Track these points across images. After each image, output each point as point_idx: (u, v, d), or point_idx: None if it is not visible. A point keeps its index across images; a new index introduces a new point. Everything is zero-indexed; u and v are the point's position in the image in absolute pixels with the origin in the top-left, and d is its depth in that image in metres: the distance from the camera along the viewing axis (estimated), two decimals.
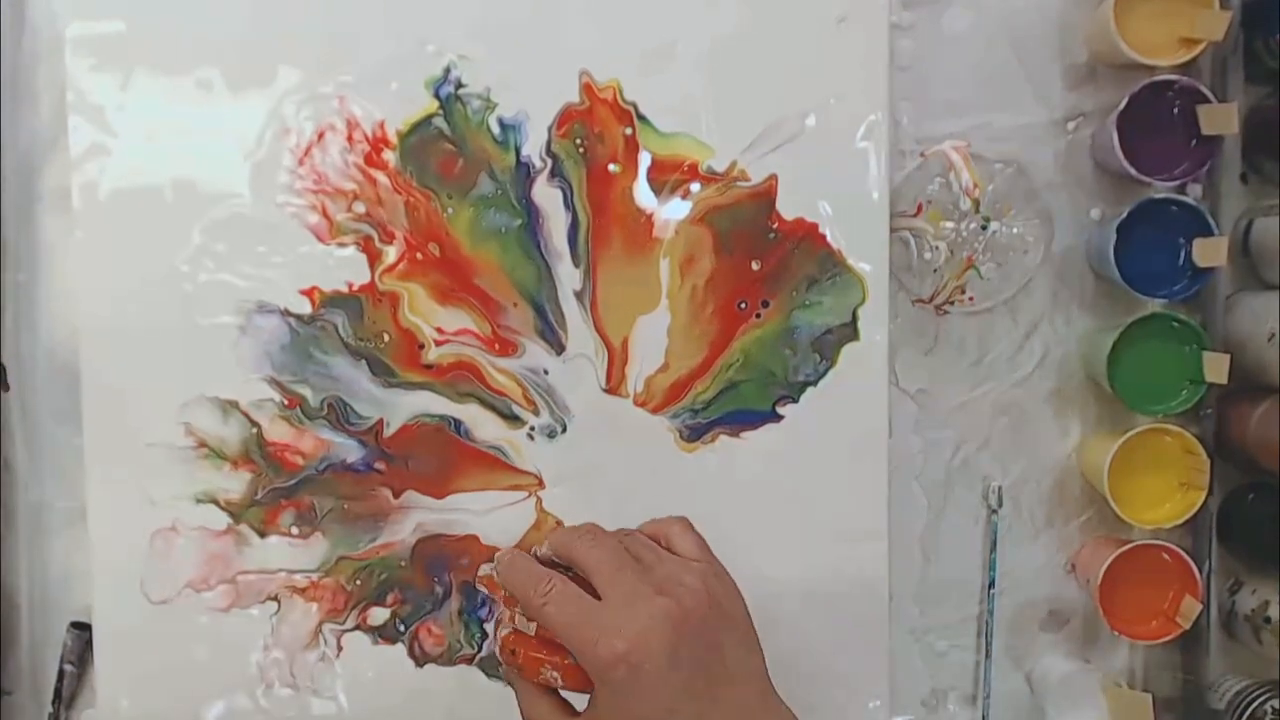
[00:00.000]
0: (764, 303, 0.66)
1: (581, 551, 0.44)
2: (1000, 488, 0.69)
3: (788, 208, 0.65)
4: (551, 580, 0.43)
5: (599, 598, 0.44)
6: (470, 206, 0.65)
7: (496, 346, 0.65)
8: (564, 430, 0.66)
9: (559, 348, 0.66)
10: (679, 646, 0.41)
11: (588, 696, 0.44)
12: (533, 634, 0.46)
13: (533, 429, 0.66)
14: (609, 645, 0.41)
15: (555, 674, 0.44)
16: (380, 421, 0.65)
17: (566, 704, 0.44)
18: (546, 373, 0.66)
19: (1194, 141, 0.65)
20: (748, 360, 0.66)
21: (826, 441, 0.66)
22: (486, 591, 0.48)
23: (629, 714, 0.41)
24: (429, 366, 0.65)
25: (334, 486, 0.66)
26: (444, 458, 0.66)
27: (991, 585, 0.70)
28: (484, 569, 0.50)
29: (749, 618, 0.45)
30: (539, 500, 0.66)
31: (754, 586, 0.63)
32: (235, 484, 0.66)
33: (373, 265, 0.65)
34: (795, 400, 0.66)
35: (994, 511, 0.69)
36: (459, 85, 0.65)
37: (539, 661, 0.45)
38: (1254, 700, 0.65)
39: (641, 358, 0.66)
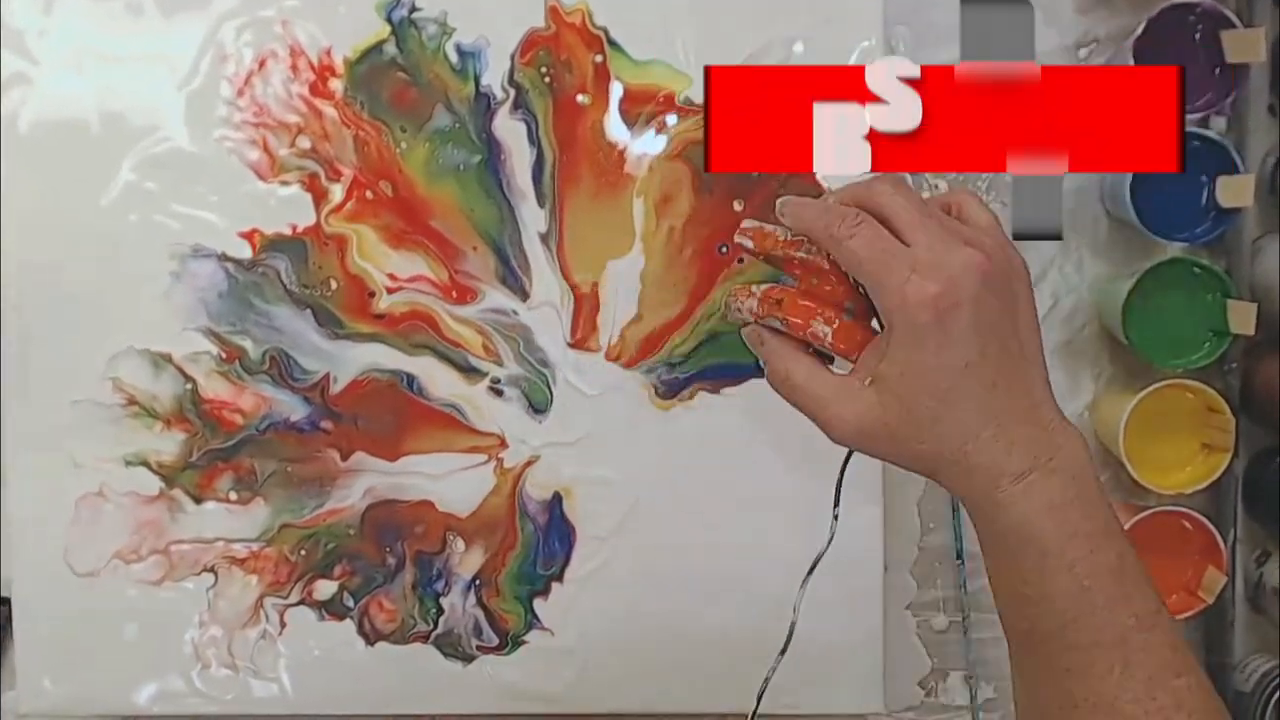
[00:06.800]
0: None
1: (885, 196, 0.41)
2: None
3: None
4: (860, 215, 0.41)
5: None
6: (425, 141, 0.63)
7: (454, 294, 0.63)
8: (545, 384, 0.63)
9: (522, 295, 0.64)
10: (985, 300, 0.39)
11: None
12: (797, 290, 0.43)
13: (498, 381, 0.62)
14: (920, 286, 0.39)
15: (827, 329, 0.41)
16: (326, 376, 0.63)
17: (826, 363, 0.42)
18: (515, 313, 0.63)
19: (1218, 70, 0.63)
20: None
21: None
22: (750, 245, 0.44)
23: (920, 366, 0.39)
24: (380, 316, 0.63)
25: (276, 448, 0.64)
26: (396, 416, 0.64)
27: None
28: (749, 222, 0.45)
29: (1036, 305, 0.44)
30: (500, 463, 0.63)
31: (734, 555, 0.61)
32: (168, 445, 0.64)
33: (318, 205, 0.63)
34: None
35: None
36: (413, 9, 0.63)
37: (811, 312, 0.42)
38: None
39: (613, 306, 0.63)
